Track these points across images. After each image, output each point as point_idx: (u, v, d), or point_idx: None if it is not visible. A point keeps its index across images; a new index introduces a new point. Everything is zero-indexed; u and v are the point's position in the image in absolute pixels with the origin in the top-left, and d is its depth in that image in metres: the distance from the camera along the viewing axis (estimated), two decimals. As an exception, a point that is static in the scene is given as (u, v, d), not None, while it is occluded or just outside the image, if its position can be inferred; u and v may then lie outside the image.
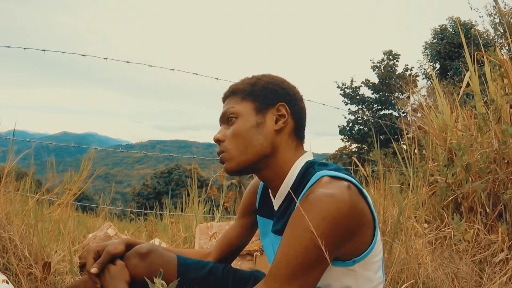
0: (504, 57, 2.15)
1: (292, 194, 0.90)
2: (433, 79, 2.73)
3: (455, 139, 2.08)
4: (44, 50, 2.45)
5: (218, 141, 1.00)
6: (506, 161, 1.79)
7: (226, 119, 1.00)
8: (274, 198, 0.99)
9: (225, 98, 1.04)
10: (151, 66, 2.73)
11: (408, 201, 1.86)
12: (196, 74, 2.92)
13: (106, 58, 2.50)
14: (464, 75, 2.33)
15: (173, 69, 2.79)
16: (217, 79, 2.81)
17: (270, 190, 1.03)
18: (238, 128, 0.97)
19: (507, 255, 1.31)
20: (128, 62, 2.74)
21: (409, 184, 2.03)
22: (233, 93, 1.02)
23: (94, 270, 0.95)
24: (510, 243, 1.42)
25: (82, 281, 1.05)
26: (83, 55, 2.41)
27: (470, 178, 1.94)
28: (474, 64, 2.25)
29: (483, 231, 1.49)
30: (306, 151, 1.00)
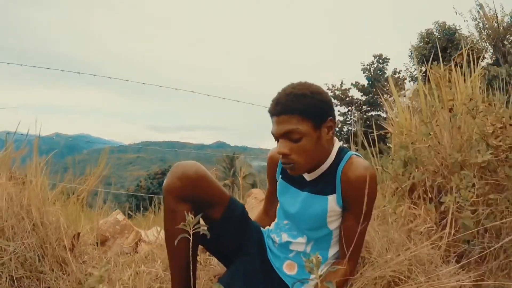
0: (451, 64, 2.57)
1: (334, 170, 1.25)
2: (411, 83, 3.13)
3: (409, 138, 2.50)
4: (79, 72, 2.73)
5: (285, 155, 1.20)
6: (441, 156, 2.21)
7: (289, 136, 1.18)
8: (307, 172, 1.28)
9: (280, 113, 1.19)
10: (176, 89, 3.02)
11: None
12: (208, 95, 3.21)
13: (144, 83, 2.77)
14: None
15: (193, 91, 3.07)
16: (224, 98, 3.13)
17: None
18: (305, 146, 1.18)
19: (431, 226, 1.73)
20: (160, 86, 3.01)
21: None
22: (290, 112, 1.17)
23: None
24: (437, 219, 1.83)
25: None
26: (127, 80, 2.67)
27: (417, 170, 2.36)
28: (419, 75, 2.66)
29: (412, 207, 1.91)
30: (336, 140, 1.29)
